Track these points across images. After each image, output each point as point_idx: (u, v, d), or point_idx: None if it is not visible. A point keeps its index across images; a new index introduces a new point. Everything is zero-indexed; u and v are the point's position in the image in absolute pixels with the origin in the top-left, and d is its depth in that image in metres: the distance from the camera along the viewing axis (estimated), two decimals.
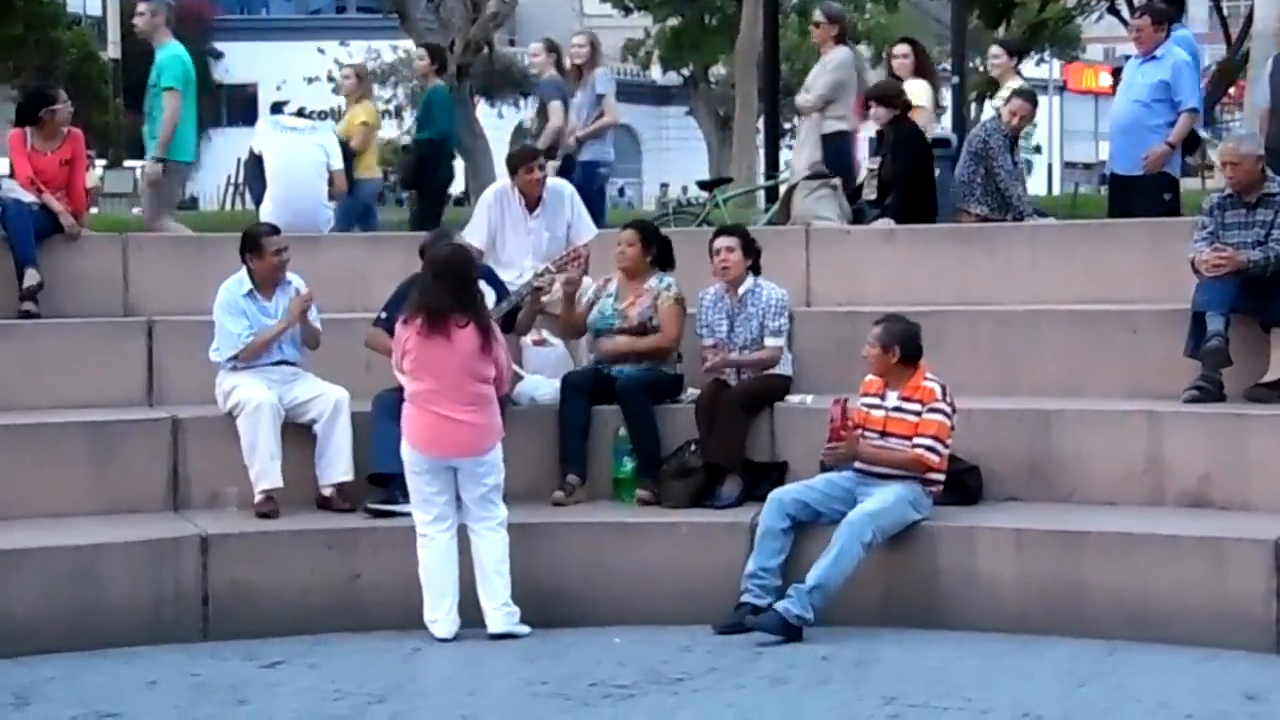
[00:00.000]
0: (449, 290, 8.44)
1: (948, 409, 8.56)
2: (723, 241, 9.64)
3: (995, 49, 14.08)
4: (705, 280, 9.75)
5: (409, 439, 8.45)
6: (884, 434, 8.62)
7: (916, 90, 12.50)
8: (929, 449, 8.50)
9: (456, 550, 8.48)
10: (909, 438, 8.53)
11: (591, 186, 12.40)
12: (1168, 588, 8.15)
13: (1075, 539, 8.44)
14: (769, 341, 9.56)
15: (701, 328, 9.69)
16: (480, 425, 8.43)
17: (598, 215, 11.84)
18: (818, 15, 13.32)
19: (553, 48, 13.49)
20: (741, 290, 9.59)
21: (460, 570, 8.48)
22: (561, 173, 12.07)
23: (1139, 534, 8.36)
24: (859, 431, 8.60)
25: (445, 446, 8.41)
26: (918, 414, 8.54)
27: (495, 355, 8.51)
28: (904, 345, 8.64)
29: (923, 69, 13.01)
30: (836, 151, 12.58)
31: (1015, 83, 12.94)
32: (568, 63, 13.30)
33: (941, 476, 8.66)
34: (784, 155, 13.59)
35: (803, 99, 12.92)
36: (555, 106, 12.93)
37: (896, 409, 8.62)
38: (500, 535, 8.48)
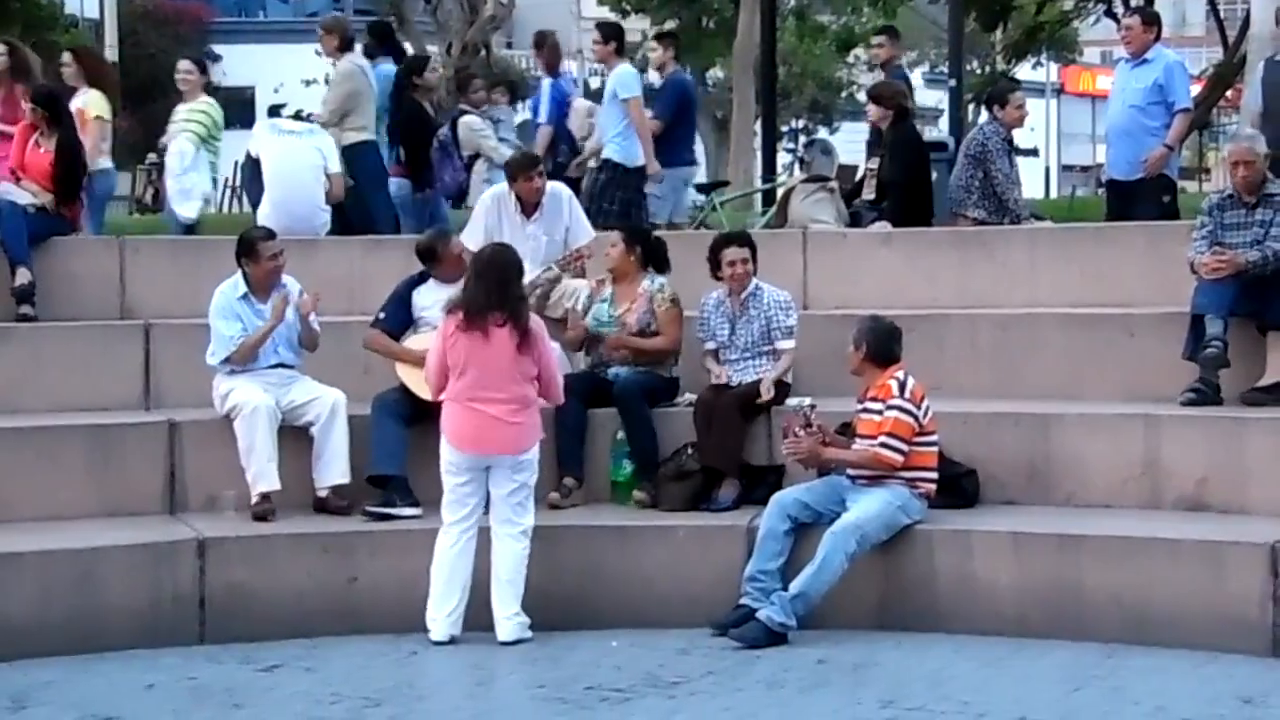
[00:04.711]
0: (488, 289, 8.44)
1: (906, 404, 8.50)
2: (736, 253, 9.54)
3: None
4: (703, 283, 9.73)
5: (448, 436, 8.43)
6: (856, 435, 8.64)
7: (91, 100, 11.79)
8: (884, 445, 8.47)
9: (473, 555, 8.44)
10: (874, 437, 8.53)
11: None
12: (1165, 591, 8.15)
13: (1073, 542, 8.43)
14: (781, 344, 9.52)
15: (703, 332, 9.69)
16: (520, 425, 8.43)
17: None
18: (319, 30, 12.98)
19: None
20: (743, 294, 9.58)
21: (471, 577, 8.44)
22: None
23: (1137, 537, 8.35)
24: (817, 434, 8.60)
25: (485, 444, 8.39)
26: (880, 413, 8.54)
27: (539, 356, 8.51)
28: (871, 344, 8.64)
29: (95, 78, 12.06)
30: (361, 161, 12.38)
31: None
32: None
33: (931, 475, 8.63)
34: (781, 158, 13.45)
35: (319, 115, 12.67)
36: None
37: (864, 409, 8.64)
38: (521, 545, 8.44)
